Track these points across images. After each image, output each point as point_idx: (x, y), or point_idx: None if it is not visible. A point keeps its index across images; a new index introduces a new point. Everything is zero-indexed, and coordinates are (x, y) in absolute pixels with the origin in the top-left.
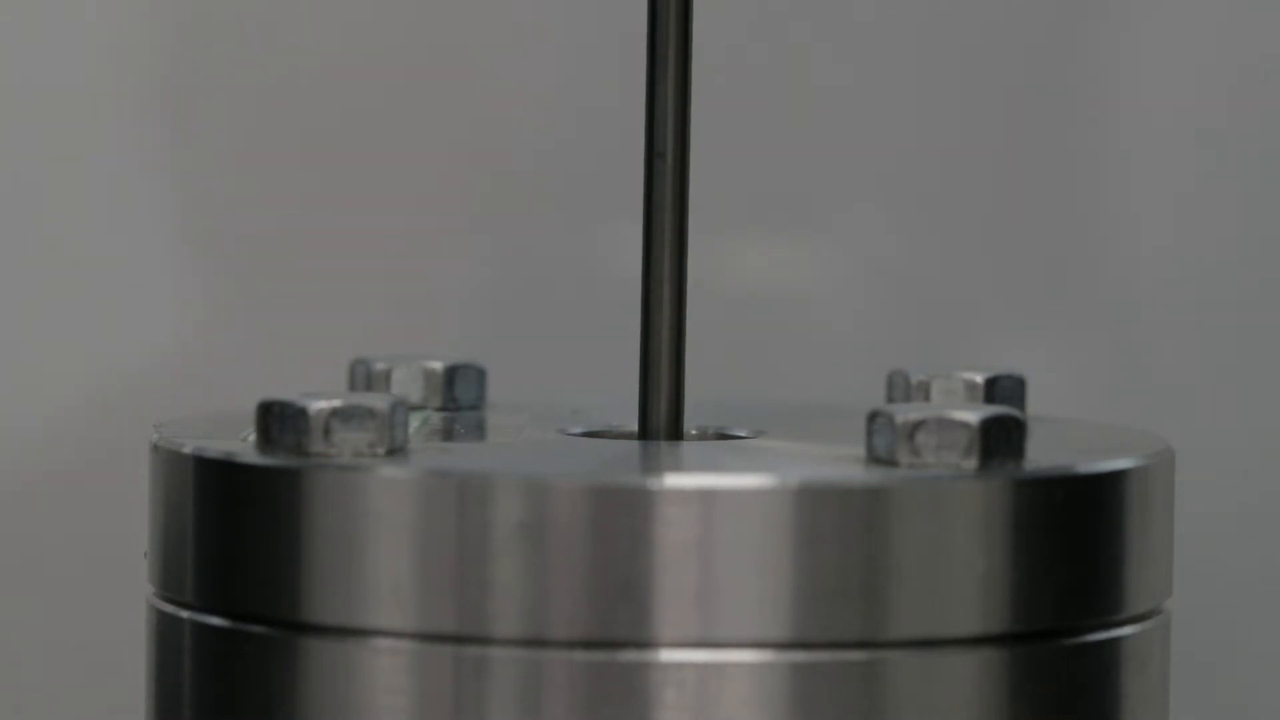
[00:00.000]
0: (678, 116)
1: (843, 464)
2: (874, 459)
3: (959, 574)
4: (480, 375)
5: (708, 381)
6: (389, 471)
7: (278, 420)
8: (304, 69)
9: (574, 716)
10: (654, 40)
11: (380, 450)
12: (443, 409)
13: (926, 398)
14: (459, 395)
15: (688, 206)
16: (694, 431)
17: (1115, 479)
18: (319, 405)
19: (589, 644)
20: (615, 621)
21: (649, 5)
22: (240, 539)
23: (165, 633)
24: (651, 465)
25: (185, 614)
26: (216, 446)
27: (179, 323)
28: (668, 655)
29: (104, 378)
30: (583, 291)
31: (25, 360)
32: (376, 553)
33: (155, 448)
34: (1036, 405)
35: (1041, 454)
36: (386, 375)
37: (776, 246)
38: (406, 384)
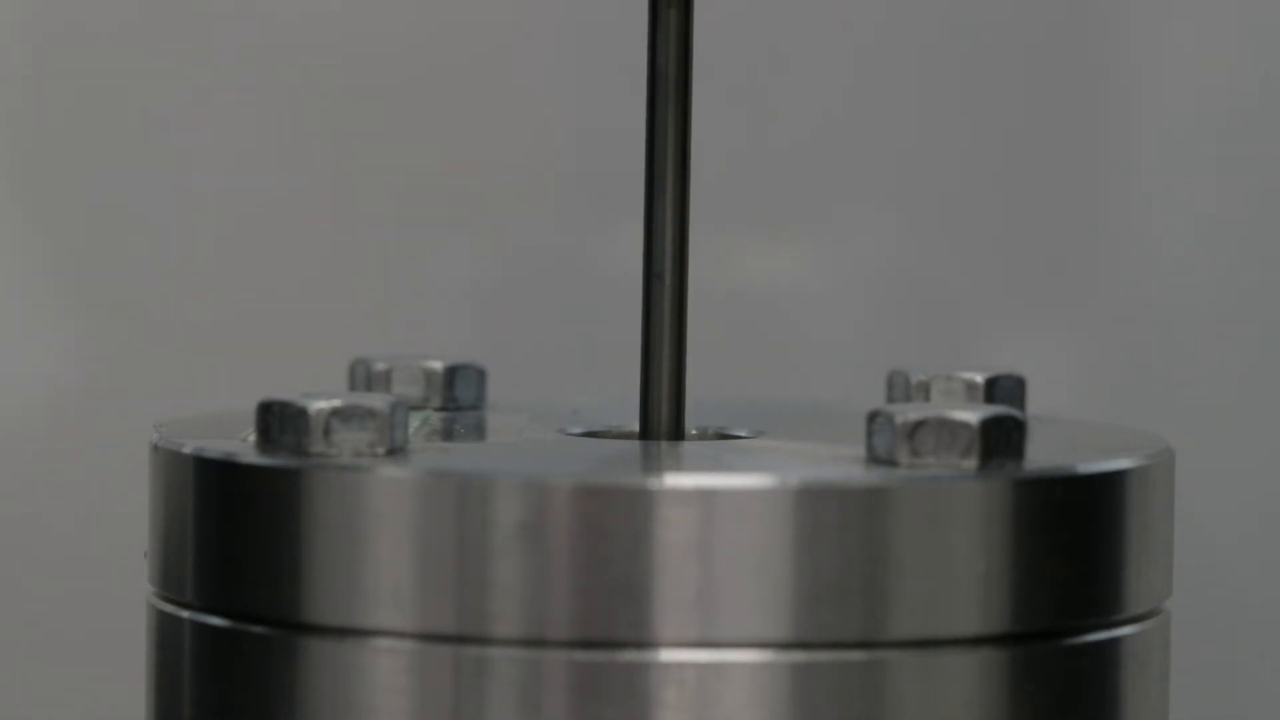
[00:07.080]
0: (676, 238)
1: (843, 464)
2: (874, 459)
3: (959, 574)
4: (480, 375)
5: (708, 381)
6: (389, 471)
7: (278, 420)
8: (306, 69)
9: (574, 717)
10: (652, 162)
11: (380, 450)
12: (443, 409)
13: (926, 398)
14: (459, 395)
15: (685, 324)
16: (694, 431)
17: (1115, 479)
18: (319, 405)
19: (589, 644)
20: (615, 621)
21: (647, 120)
22: (240, 539)
23: (165, 633)
24: (651, 465)
25: (185, 614)
26: (216, 446)
27: (179, 322)
28: (668, 655)
29: (104, 376)
30: (583, 291)
31: (27, 345)
32: (376, 553)
33: (155, 448)
34: (1036, 405)
35: (1041, 454)
36: (386, 375)
37: (776, 246)
38: (406, 384)
